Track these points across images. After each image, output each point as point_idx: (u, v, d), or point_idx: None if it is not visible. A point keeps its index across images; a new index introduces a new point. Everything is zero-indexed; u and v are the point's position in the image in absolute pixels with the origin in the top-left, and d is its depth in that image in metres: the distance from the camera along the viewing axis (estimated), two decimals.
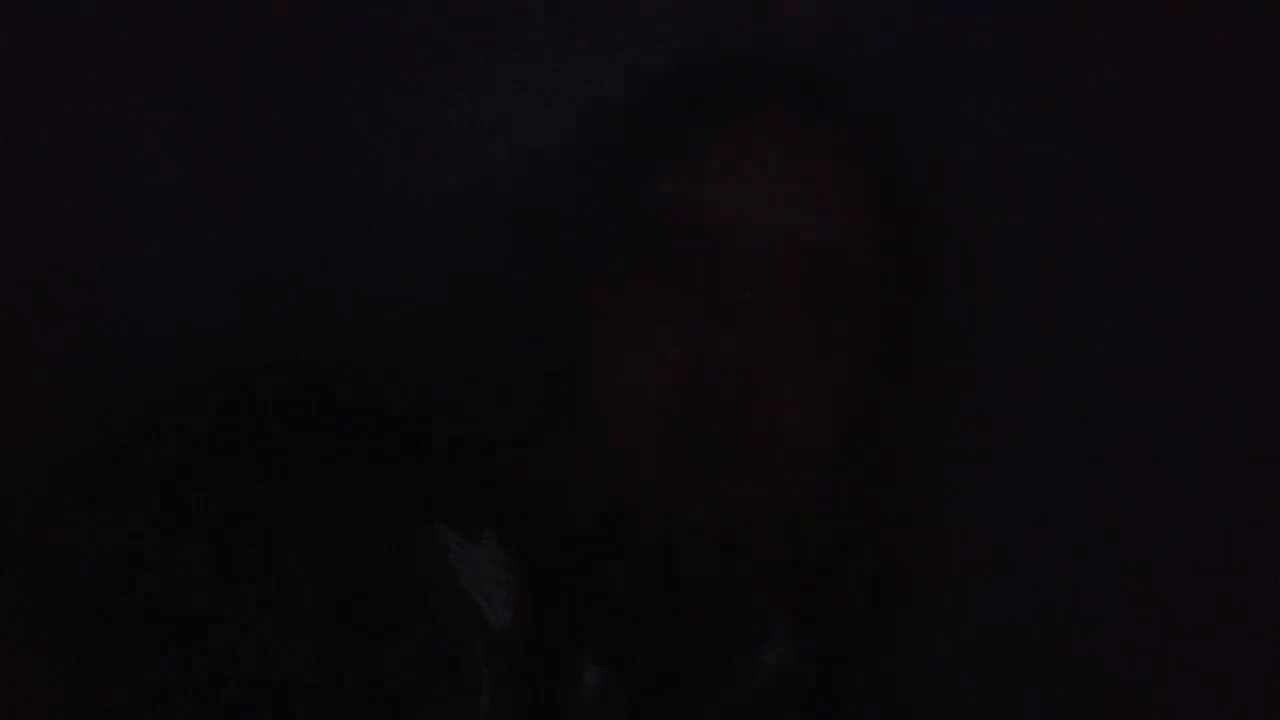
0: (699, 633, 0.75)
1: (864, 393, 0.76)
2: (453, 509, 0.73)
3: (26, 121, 0.84)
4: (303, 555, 0.68)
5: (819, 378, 0.75)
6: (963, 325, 0.83)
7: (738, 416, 0.73)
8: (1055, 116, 0.92)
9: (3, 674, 0.67)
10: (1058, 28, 0.91)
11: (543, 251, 0.78)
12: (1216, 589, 0.90)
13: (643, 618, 0.74)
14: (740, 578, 0.75)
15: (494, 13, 0.88)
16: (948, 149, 0.84)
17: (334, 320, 0.87)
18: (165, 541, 0.68)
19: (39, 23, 0.84)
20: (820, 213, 0.76)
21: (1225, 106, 0.92)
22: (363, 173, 0.89)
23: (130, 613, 0.67)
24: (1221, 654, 0.90)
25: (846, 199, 0.77)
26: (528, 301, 0.77)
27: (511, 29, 0.88)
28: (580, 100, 0.83)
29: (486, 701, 0.71)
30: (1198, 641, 0.91)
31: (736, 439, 0.73)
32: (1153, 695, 0.91)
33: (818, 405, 0.75)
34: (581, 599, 0.73)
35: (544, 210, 0.79)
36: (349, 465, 0.71)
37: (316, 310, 0.87)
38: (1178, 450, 0.92)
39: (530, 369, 0.77)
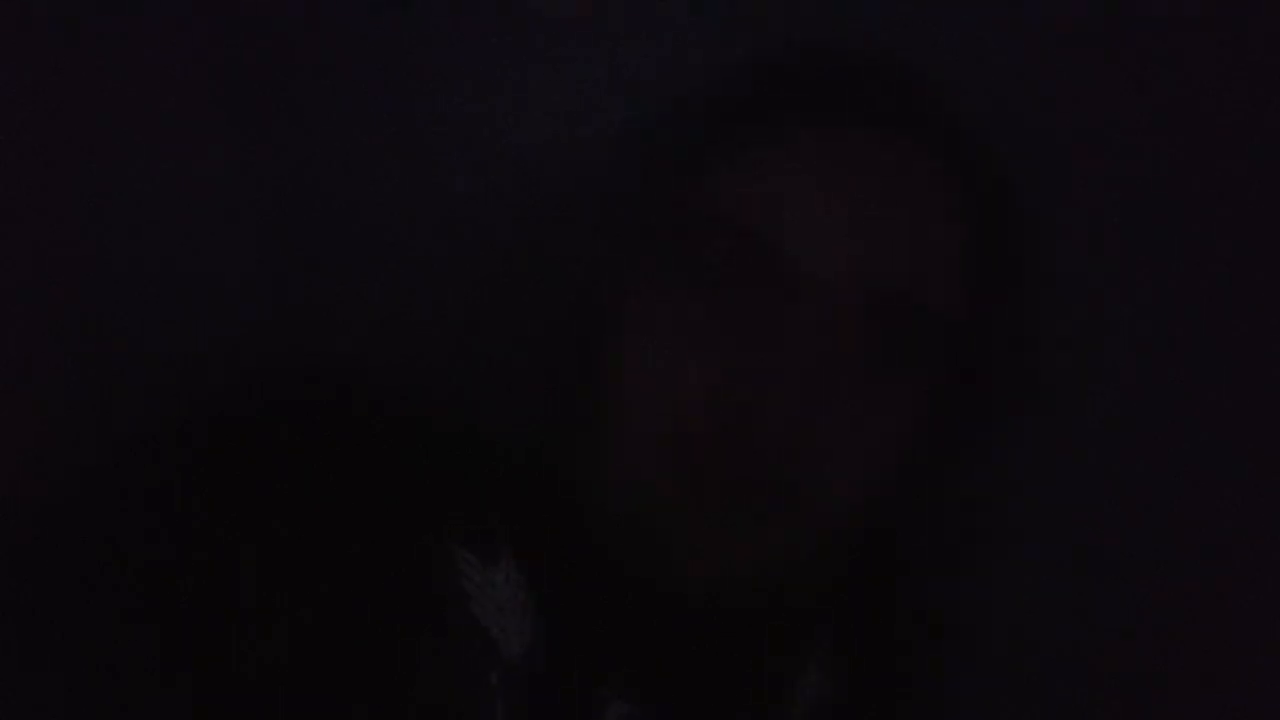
0: (728, 665, 0.71)
1: (919, 442, 0.70)
2: (468, 527, 0.70)
3: (53, 125, 0.84)
4: (311, 577, 0.66)
5: (872, 431, 0.68)
6: (1037, 374, 0.78)
7: (776, 467, 0.66)
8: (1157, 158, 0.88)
9: (6, 676, 0.67)
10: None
11: (569, 248, 0.73)
12: (1221, 590, 0.91)
13: (669, 650, 0.70)
14: (769, 614, 0.70)
15: (519, 9, 0.88)
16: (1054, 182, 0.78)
17: (349, 330, 0.87)
18: (170, 554, 0.66)
19: (67, 26, 0.84)
20: (904, 251, 0.67)
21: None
22: (380, 174, 0.88)
23: (131, 625, 0.66)
24: (1222, 654, 0.90)
25: (935, 236, 0.69)
26: (551, 304, 0.73)
27: (540, 25, 0.88)
28: (613, 98, 0.81)
29: None
30: (1203, 642, 0.91)
31: (770, 490, 0.67)
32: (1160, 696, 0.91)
33: (865, 459, 0.68)
34: (604, 628, 0.69)
35: (572, 205, 0.74)
36: (361, 481, 0.68)
37: (331, 320, 0.87)
38: (1183, 448, 0.92)
39: (553, 376, 0.73)
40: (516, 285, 0.77)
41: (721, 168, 0.69)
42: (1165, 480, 0.92)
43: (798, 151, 0.69)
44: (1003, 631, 0.90)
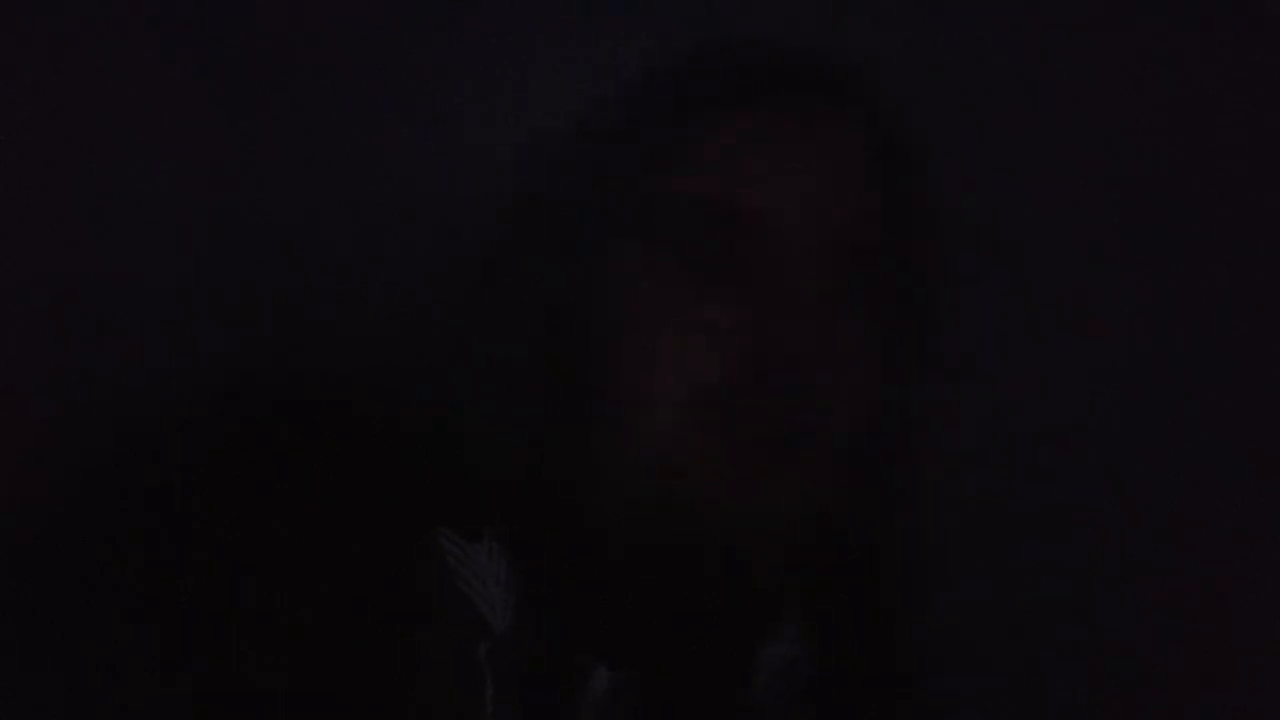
0: (707, 633, 0.74)
1: (880, 386, 0.76)
2: (453, 507, 0.72)
3: (27, 131, 0.84)
4: (300, 561, 0.67)
5: (855, 369, 0.74)
6: (954, 319, 0.82)
7: (794, 407, 0.72)
8: (1054, 112, 0.92)
9: (6, 676, 0.67)
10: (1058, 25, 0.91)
11: (550, 242, 0.76)
12: (1220, 589, 0.91)
13: (650, 619, 0.73)
14: (753, 576, 0.74)
15: (495, 8, 0.88)
16: (943, 144, 0.84)
17: (332, 321, 0.87)
18: (163, 548, 0.67)
19: (40, 34, 0.84)
20: (859, 205, 0.75)
21: (1225, 104, 0.92)
22: (379, 173, 0.89)
23: (130, 618, 0.66)
24: (1221, 652, 0.91)
25: (875, 192, 0.76)
26: (534, 295, 0.76)
27: (540, 25, 0.88)
28: (584, 93, 0.82)
29: (490, 705, 0.70)
30: (1198, 639, 0.91)
31: (792, 429, 0.72)
32: (1155, 695, 0.91)
33: (855, 396, 0.74)
34: (587, 599, 0.72)
35: (551, 199, 0.77)
36: (346, 467, 0.70)
37: (313, 311, 0.87)
38: (1183, 448, 0.92)
39: (537, 364, 0.75)
40: (512, 283, 0.77)
41: (692, 154, 0.75)
42: (1163, 479, 0.93)
43: (759, 132, 0.75)
44: (1002, 631, 0.90)
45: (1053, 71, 0.91)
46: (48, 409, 0.81)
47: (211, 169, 0.88)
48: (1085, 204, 0.93)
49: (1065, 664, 0.92)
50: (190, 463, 0.69)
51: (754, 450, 0.71)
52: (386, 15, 0.89)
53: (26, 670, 0.67)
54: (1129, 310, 0.93)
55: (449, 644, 0.70)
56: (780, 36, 0.81)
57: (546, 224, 0.77)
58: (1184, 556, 0.92)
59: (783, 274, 0.73)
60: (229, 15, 0.88)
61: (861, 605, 0.81)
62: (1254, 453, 0.92)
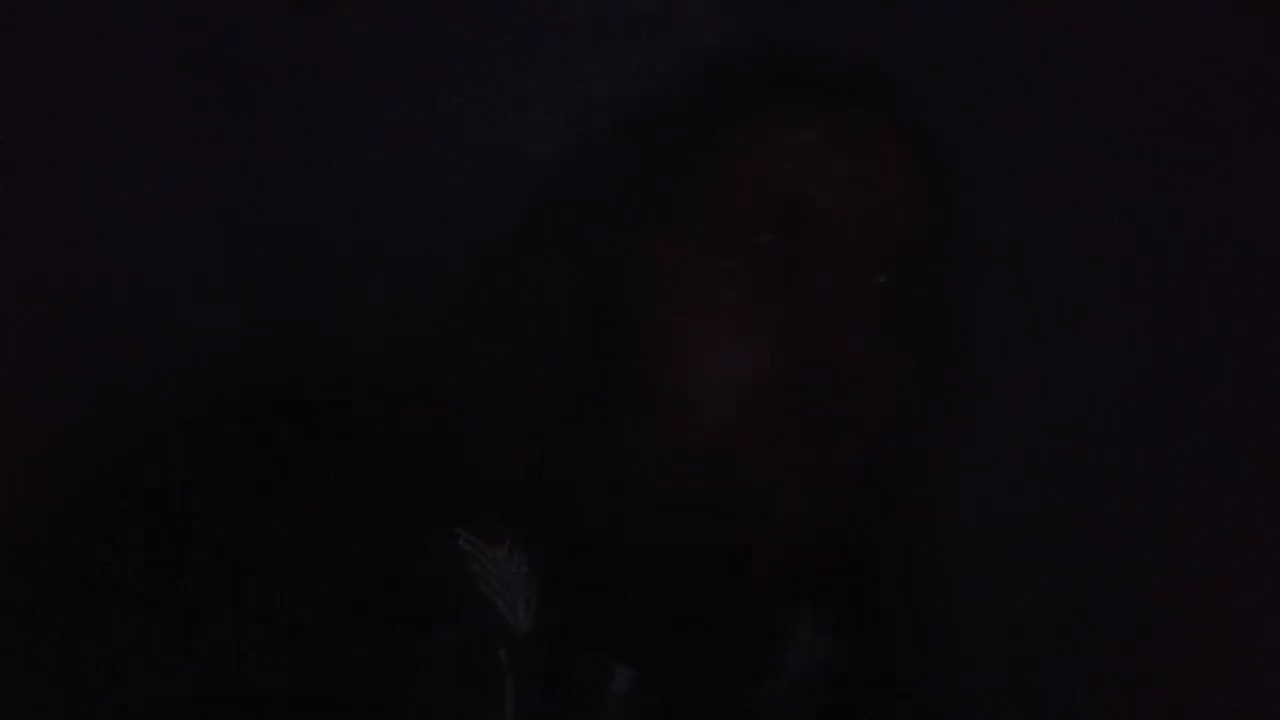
0: (725, 633, 0.75)
1: (912, 390, 0.76)
2: (472, 511, 0.72)
3: (27, 131, 0.84)
4: (322, 564, 0.68)
5: (895, 371, 0.75)
6: (973, 321, 0.83)
7: (839, 398, 0.73)
8: (1061, 116, 0.92)
9: (6, 676, 0.67)
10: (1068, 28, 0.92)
11: (581, 239, 0.77)
12: (1220, 589, 0.91)
13: (669, 619, 0.73)
14: (777, 575, 0.75)
15: (496, 9, 0.88)
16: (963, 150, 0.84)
17: (332, 321, 0.87)
18: (163, 548, 0.67)
19: (41, 34, 0.84)
20: (912, 215, 0.77)
21: (1225, 104, 0.92)
22: (380, 174, 0.89)
23: (131, 625, 0.67)
24: (1222, 654, 0.91)
25: (916, 196, 0.78)
26: (574, 289, 0.77)
27: (540, 25, 0.88)
28: (585, 93, 0.83)
29: (511, 707, 0.70)
30: (1198, 639, 0.91)
31: (831, 418, 0.73)
32: (1155, 695, 0.91)
33: (890, 398, 0.75)
34: (606, 601, 0.73)
35: (601, 193, 0.78)
36: (367, 470, 0.70)
37: (314, 311, 0.87)
38: (1183, 448, 0.92)
39: (567, 360, 0.76)
40: (516, 283, 0.77)
41: (748, 151, 0.76)
42: (1163, 479, 0.93)
43: (813, 131, 0.77)
44: (1002, 631, 0.90)
45: (1053, 71, 0.92)
46: (48, 409, 0.81)
47: (211, 169, 0.88)
48: (1085, 204, 0.93)
49: (1065, 664, 0.92)
50: (191, 462, 0.69)
51: (795, 445, 0.72)
52: (387, 16, 0.89)
53: (26, 670, 0.67)
54: (1129, 311, 0.93)
55: (470, 646, 0.70)
56: (777, 37, 0.82)
57: (595, 218, 0.77)
58: (1184, 556, 0.92)
59: (837, 274, 0.74)
60: (229, 15, 0.88)
61: (868, 606, 0.82)
62: (1254, 453, 0.92)
